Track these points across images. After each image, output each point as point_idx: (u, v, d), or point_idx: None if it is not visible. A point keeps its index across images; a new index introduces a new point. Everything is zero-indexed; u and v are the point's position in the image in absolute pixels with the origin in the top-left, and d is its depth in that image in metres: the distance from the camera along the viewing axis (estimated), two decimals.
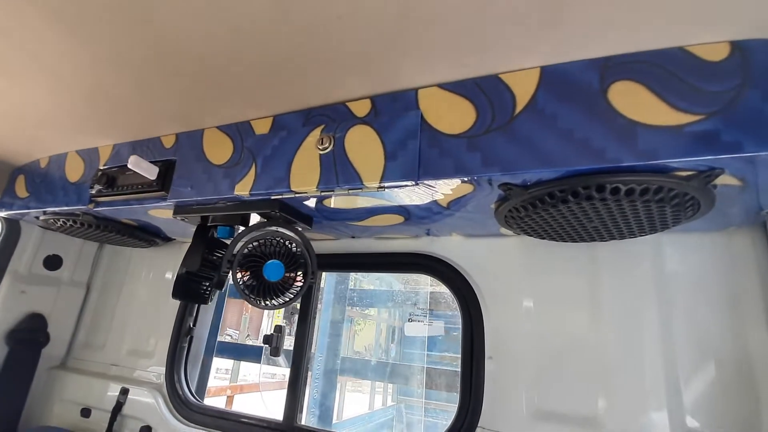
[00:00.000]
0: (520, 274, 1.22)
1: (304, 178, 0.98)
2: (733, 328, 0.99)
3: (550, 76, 0.81)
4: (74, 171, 1.43)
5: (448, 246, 1.33)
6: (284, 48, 0.84)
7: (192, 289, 1.21)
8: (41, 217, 1.50)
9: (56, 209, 1.41)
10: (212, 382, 6.88)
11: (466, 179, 0.83)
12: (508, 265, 1.24)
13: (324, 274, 2.04)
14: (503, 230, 1.20)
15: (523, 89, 0.82)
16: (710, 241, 1.06)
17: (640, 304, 1.09)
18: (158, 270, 1.87)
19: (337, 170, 0.94)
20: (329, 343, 4.57)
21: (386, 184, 0.88)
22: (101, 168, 1.35)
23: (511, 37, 0.76)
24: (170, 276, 1.84)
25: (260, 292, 1.10)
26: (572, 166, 0.74)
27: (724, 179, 0.74)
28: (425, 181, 0.85)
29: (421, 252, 1.36)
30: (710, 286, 1.04)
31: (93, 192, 1.31)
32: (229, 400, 6.02)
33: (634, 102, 0.72)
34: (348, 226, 1.31)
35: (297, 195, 1.00)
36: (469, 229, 1.25)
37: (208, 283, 1.24)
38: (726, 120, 0.66)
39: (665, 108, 0.70)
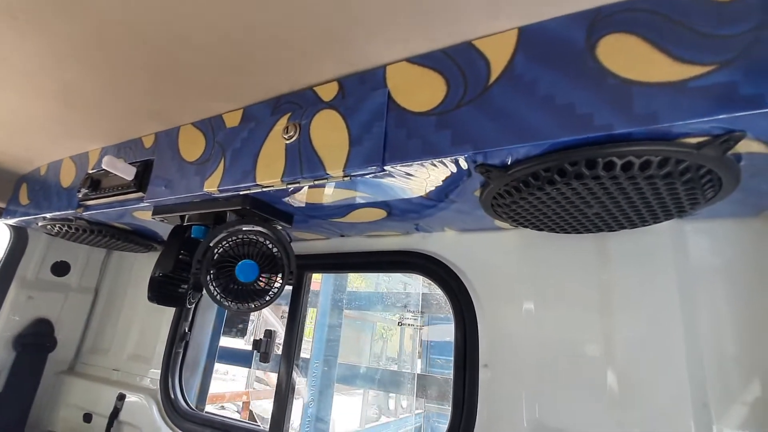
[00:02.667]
0: (519, 272, 1.09)
1: (269, 170, 0.90)
2: None
3: (530, 38, 0.69)
4: (67, 176, 1.44)
5: (441, 242, 1.22)
6: (241, 34, 0.78)
7: (169, 292, 1.17)
8: (40, 224, 1.52)
9: (50, 215, 1.42)
10: (229, 387, 6.82)
11: (435, 161, 0.73)
12: (505, 262, 1.11)
13: (322, 277, 1.97)
14: (499, 223, 1.07)
15: (499, 55, 0.71)
16: (743, 228, 0.89)
17: (659, 303, 0.93)
18: None
19: (302, 160, 0.86)
20: (326, 351, 4.42)
21: (351, 173, 0.80)
22: (89, 172, 1.35)
23: None
24: None
25: (235, 294, 1.03)
26: (553, 138, 0.62)
27: (749, 146, 0.60)
28: (392, 166, 0.76)
29: (412, 249, 1.25)
30: (745, 281, 0.87)
31: (80, 196, 1.30)
32: (245, 406, 5.87)
33: (628, 57, 0.60)
34: (333, 224, 1.23)
35: (264, 189, 0.93)
36: (461, 224, 1.13)
37: (186, 286, 1.19)
38: (744, 69, 0.53)
39: (666, 60, 0.57)
